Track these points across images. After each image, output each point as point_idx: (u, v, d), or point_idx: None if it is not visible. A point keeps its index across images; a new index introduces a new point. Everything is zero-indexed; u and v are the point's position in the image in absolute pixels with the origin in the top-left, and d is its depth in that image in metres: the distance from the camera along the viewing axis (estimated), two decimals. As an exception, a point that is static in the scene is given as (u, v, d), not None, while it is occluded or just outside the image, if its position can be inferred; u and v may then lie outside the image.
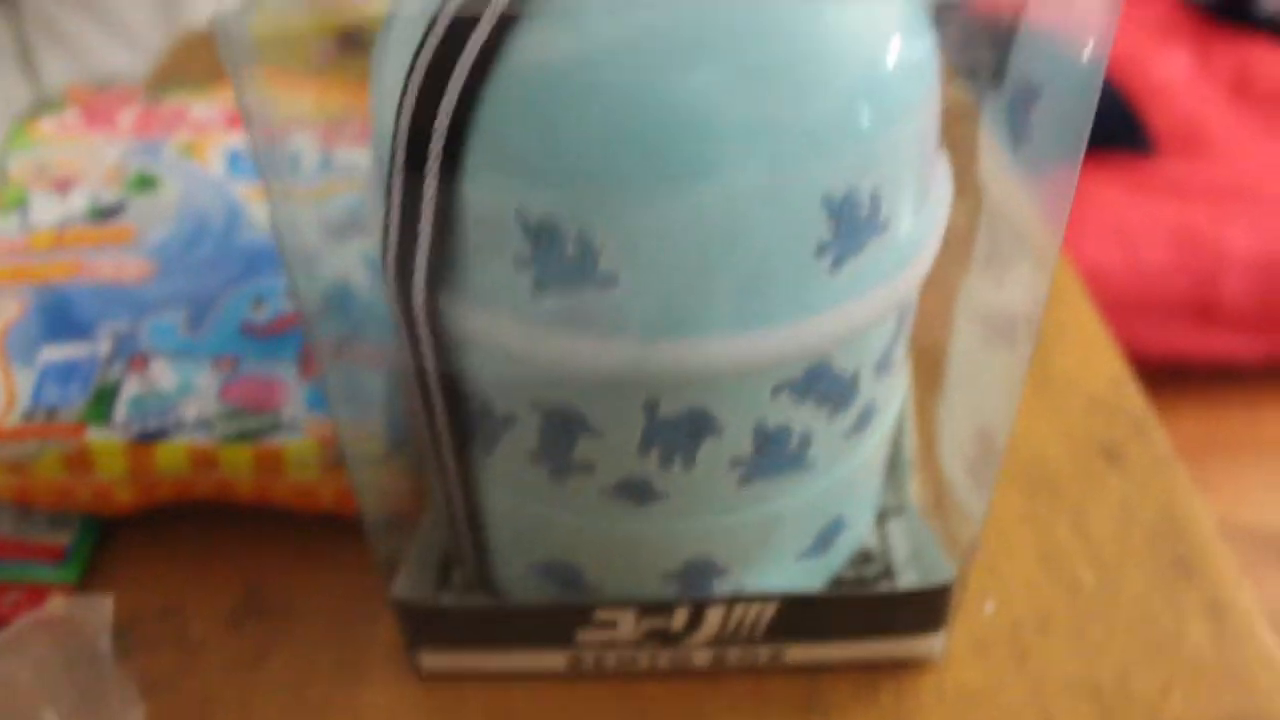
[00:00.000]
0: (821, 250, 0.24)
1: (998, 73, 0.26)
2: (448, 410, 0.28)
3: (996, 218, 0.31)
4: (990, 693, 0.33)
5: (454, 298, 0.26)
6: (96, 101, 0.51)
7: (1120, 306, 1.17)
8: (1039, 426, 0.42)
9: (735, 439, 0.27)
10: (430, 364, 0.27)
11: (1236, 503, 1.13)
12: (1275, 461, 1.18)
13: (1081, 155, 0.25)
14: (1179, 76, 1.42)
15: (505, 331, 0.25)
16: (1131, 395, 0.43)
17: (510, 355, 0.26)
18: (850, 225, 0.24)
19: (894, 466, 0.37)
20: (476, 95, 0.23)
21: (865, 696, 0.33)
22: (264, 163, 0.25)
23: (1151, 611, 0.35)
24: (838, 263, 0.25)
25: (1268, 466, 1.17)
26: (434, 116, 0.23)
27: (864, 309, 0.26)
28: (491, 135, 0.23)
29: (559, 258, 0.24)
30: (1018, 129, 0.26)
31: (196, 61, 0.76)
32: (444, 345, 0.27)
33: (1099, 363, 0.45)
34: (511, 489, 0.30)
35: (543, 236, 0.23)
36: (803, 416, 0.27)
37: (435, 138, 0.23)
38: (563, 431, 0.27)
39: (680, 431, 0.26)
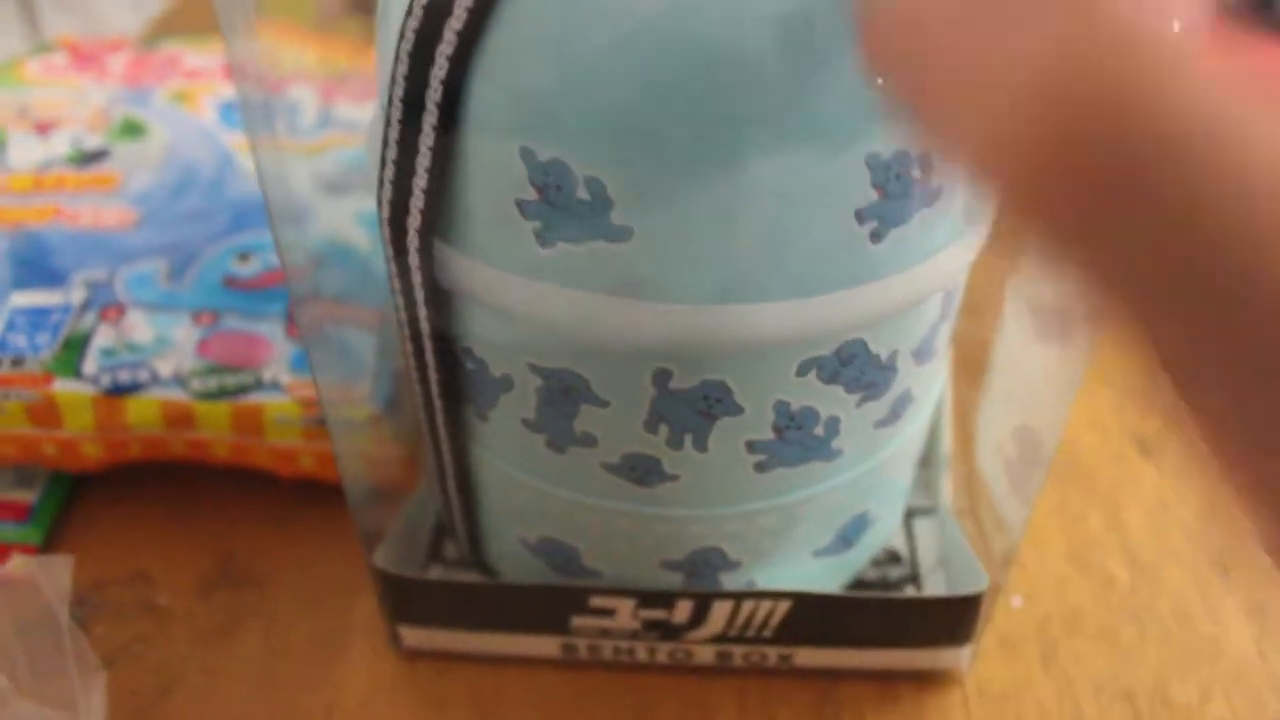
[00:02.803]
0: (863, 217, 0.22)
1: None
2: (441, 370, 0.26)
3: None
4: (1016, 694, 0.31)
5: (451, 248, 0.23)
6: (86, 46, 0.49)
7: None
8: (1070, 415, 0.39)
9: (754, 420, 0.24)
10: (424, 320, 0.25)
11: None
12: None
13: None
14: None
15: (504, 286, 0.23)
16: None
17: (508, 313, 0.23)
18: (898, 191, 0.22)
19: (927, 464, 0.34)
20: (481, 27, 0.20)
21: (884, 698, 0.31)
22: (251, 115, 0.22)
23: (1189, 613, 0.33)
24: (880, 232, 0.22)
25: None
26: (433, 53, 0.21)
27: (907, 286, 0.23)
28: (499, 68, 0.20)
29: (567, 204, 0.21)
30: None
31: (196, 16, 0.73)
32: (439, 300, 0.24)
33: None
34: (506, 458, 0.27)
35: (550, 178, 0.21)
36: (830, 401, 0.25)
37: (435, 71, 0.21)
38: (563, 399, 0.24)
39: (693, 408, 0.24)
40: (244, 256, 0.37)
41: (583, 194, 0.21)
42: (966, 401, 0.37)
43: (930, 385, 0.28)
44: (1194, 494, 0.36)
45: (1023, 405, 0.29)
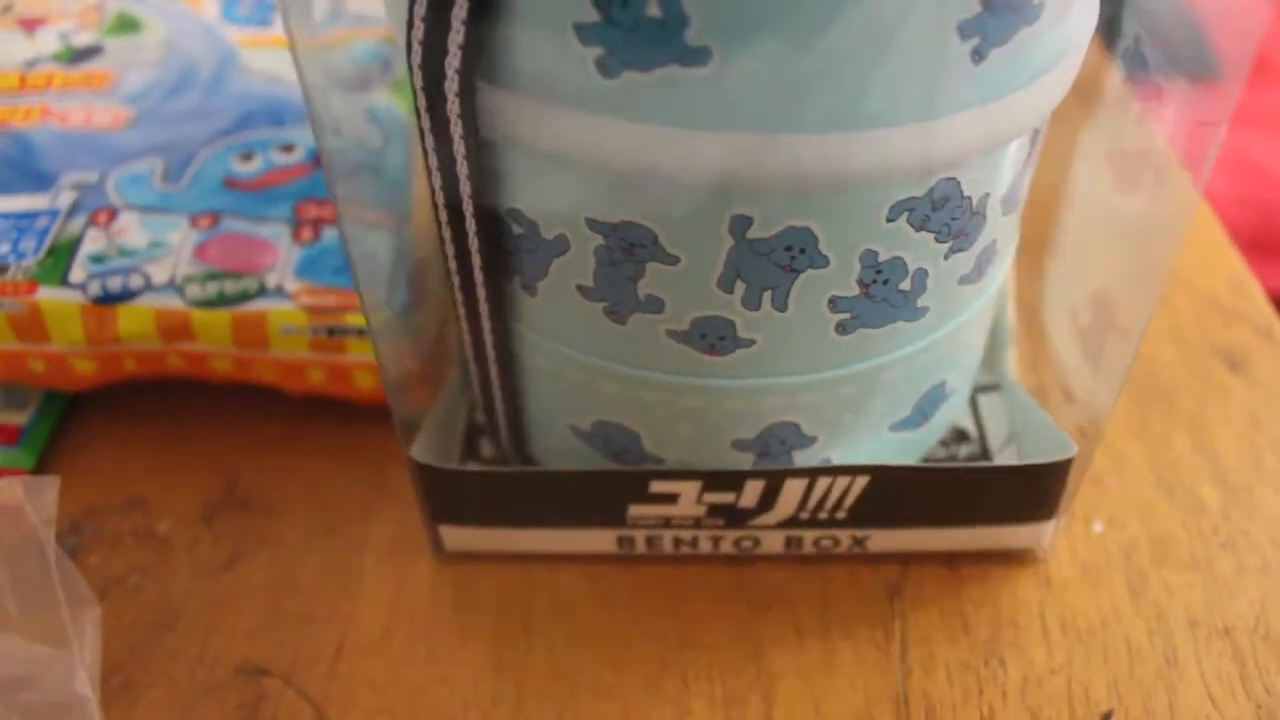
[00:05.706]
0: (965, 32, 0.19)
1: None
2: (483, 240, 0.23)
3: (1149, 31, 0.25)
4: (1103, 628, 0.28)
5: (495, 88, 0.20)
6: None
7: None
8: (1148, 327, 0.36)
9: (840, 273, 0.22)
10: (466, 180, 0.22)
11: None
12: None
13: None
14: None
15: (560, 126, 0.20)
16: (1255, 297, 0.38)
17: (565, 159, 0.20)
18: (1001, 3, 0.19)
19: (990, 337, 0.32)
20: None
21: (957, 584, 0.28)
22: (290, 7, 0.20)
23: (1291, 539, 0.30)
24: (982, 51, 0.19)
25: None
26: None
27: (1007, 115, 0.21)
28: None
29: (635, 24, 0.18)
30: None
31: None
32: (482, 155, 0.21)
33: (1216, 260, 0.39)
34: (557, 336, 0.24)
35: (616, -9, 0.18)
36: (920, 251, 0.22)
37: None
38: (626, 259, 0.21)
39: (774, 260, 0.21)
40: (246, 156, 0.34)
41: (654, 10, 0.18)
42: (1030, 274, 0.34)
43: (1010, 241, 0.26)
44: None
45: (1097, 269, 0.27)
